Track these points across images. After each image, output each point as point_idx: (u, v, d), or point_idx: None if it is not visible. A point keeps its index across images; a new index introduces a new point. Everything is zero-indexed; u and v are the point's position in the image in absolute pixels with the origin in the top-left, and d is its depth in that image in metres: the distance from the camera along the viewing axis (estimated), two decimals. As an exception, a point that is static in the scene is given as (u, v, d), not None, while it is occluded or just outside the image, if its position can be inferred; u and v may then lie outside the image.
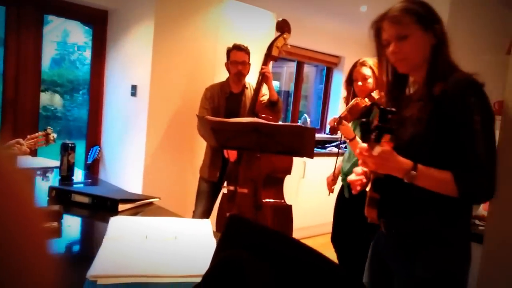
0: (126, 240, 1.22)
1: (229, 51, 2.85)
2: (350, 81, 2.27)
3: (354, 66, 2.24)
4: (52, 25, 11.04)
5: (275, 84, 5.29)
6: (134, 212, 1.56)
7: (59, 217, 1.35)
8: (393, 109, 1.17)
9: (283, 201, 2.70)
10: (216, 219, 2.90)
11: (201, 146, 3.00)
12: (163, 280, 1.00)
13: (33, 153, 2.61)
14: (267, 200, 2.62)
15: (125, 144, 3.23)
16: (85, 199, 1.57)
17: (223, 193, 2.92)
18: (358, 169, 1.36)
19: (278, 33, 2.78)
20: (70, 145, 1.99)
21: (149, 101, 2.98)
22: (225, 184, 2.81)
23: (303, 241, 0.81)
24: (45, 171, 2.09)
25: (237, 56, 2.81)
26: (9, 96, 3.01)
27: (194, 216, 2.84)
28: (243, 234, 0.88)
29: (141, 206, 1.64)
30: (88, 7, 3.25)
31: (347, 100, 2.29)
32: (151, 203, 1.69)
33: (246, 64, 2.84)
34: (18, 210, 0.33)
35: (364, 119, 1.22)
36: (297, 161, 3.66)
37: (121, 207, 1.54)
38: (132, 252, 1.15)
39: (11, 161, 0.34)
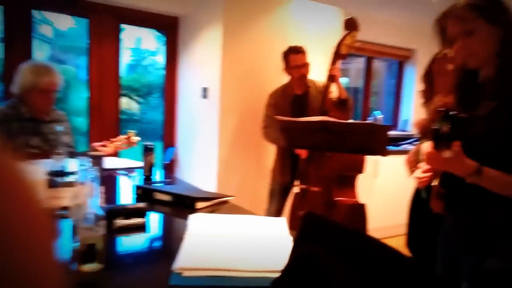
0: (206, 236, 1.28)
1: (286, 56, 2.82)
2: (429, 75, 2.14)
3: (435, 59, 2.11)
4: (126, 33, 11.76)
5: (344, 80, 5.20)
6: (211, 210, 1.62)
7: (145, 214, 1.44)
8: (463, 115, 1.18)
9: (356, 199, 2.65)
10: (288, 217, 2.92)
11: (272, 145, 3.04)
12: (243, 275, 1.03)
13: (116, 154, 2.80)
14: (340, 198, 2.58)
15: (199, 144, 3.36)
16: (166, 197, 1.67)
17: (295, 192, 2.93)
18: (424, 164, 1.39)
19: (347, 31, 2.73)
20: (150, 146, 2.12)
21: (219, 103, 3.07)
22: (297, 183, 2.82)
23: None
24: (129, 171, 2.24)
25: (297, 60, 2.78)
26: (94, 101, 3.27)
27: (267, 215, 2.88)
28: (318, 231, 0.90)
29: (217, 204, 1.70)
30: (160, 15, 3.42)
31: (425, 95, 2.18)
32: (226, 201, 1.75)
33: (307, 65, 2.81)
34: (20, 212, 0.32)
35: (435, 127, 1.23)
36: (369, 160, 3.57)
37: (199, 205, 1.61)
38: (212, 247, 1.20)
39: (14, 164, 0.33)
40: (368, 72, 4.62)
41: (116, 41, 3.34)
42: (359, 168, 2.64)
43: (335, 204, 2.52)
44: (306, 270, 0.82)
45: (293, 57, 2.79)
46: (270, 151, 3.07)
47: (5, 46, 2.93)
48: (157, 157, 2.57)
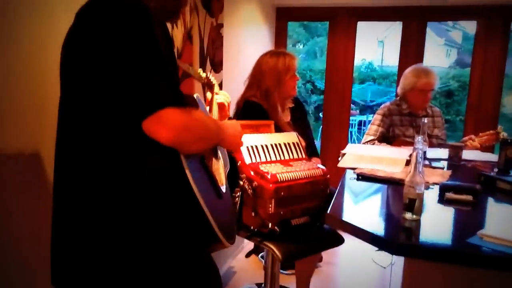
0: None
1: None
2: None
3: None
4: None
5: None
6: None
7: (479, 194, 1.62)
8: None
9: None
10: None
11: None
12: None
13: (489, 148, 2.86)
14: None
15: None
16: (506, 186, 1.75)
17: None
18: None
19: None
20: (509, 140, 2.15)
21: None
22: None
23: None
24: (484, 163, 2.34)
25: None
26: (473, 101, 3.43)
27: None
28: None
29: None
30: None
31: None
32: None
33: None
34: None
35: None
36: None
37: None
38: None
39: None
40: None
41: (504, 42, 3.32)
42: None
43: None
44: None
45: None
46: None
47: (400, 54, 3.59)
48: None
